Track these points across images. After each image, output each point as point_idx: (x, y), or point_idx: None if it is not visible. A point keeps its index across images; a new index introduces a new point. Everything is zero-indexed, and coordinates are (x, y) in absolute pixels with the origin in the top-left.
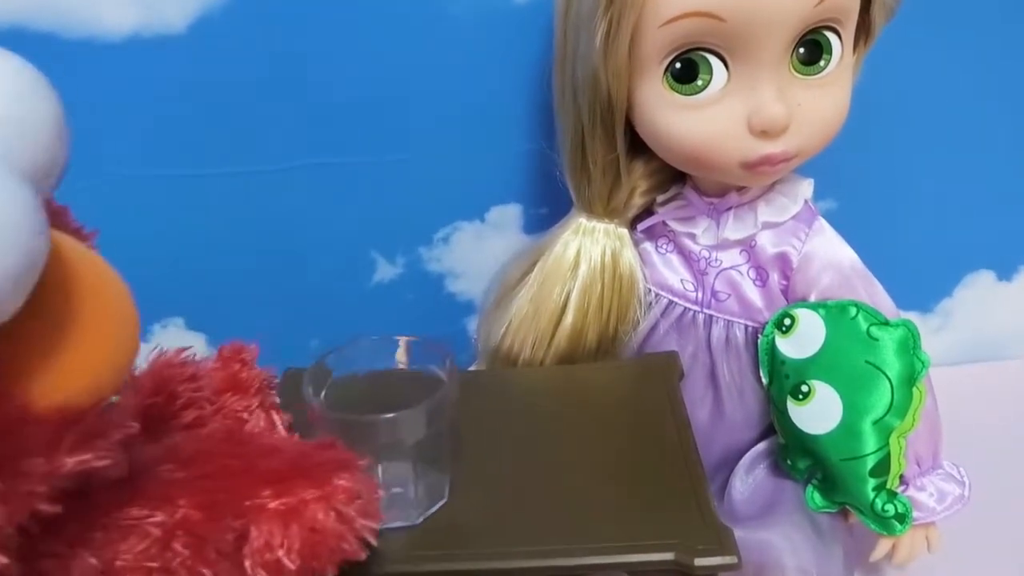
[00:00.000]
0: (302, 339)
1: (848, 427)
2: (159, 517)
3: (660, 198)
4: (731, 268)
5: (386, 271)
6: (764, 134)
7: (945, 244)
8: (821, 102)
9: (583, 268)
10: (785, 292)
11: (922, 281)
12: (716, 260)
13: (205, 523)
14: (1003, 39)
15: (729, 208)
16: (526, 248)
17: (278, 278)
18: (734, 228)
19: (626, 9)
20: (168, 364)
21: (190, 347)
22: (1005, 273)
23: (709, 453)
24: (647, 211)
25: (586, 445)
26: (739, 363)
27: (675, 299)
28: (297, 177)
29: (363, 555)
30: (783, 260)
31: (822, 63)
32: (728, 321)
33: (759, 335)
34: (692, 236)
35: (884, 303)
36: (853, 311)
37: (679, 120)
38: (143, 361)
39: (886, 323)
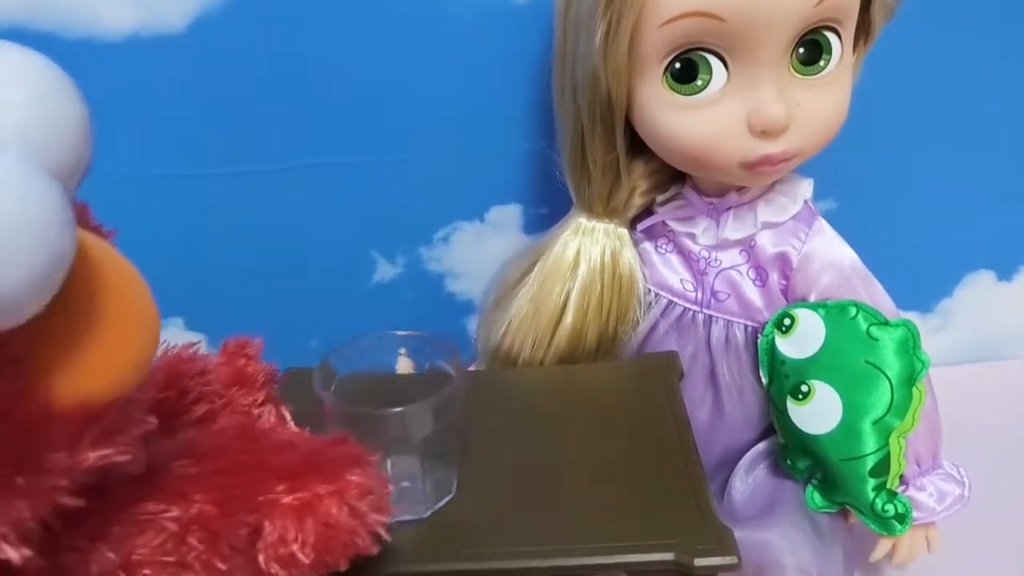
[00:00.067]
0: (302, 339)
1: (848, 427)
2: (175, 512)
3: (660, 198)
4: (731, 268)
5: (386, 271)
6: (764, 134)
7: (945, 244)
8: (821, 102)
9: (583, 268)
10: (785, 292)
11: (922, 281)
12: (716, 260)
13: (220, 518)
14: (1003, 39)
15: (729, 208)
16: (526, 248)
17: (278, 278)
18: (734, 228)
19: (626, 9)
20: (178, 359)
21: (197, 341)
22: (1005, 273)
23: (709, 453)
24: (647, 211)
25: (586, 445)
26: (739, 363)
27: (675, 299)
28: (297, 177)
29: (375, 550)
30: (783, 260)
31: (822, 63)
32: (728, 321)
33: (759, 335)
34: (692, 236)
35: (884, 303)
36: (853, 311)
37: (679, 120)
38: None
39: (886, 323)
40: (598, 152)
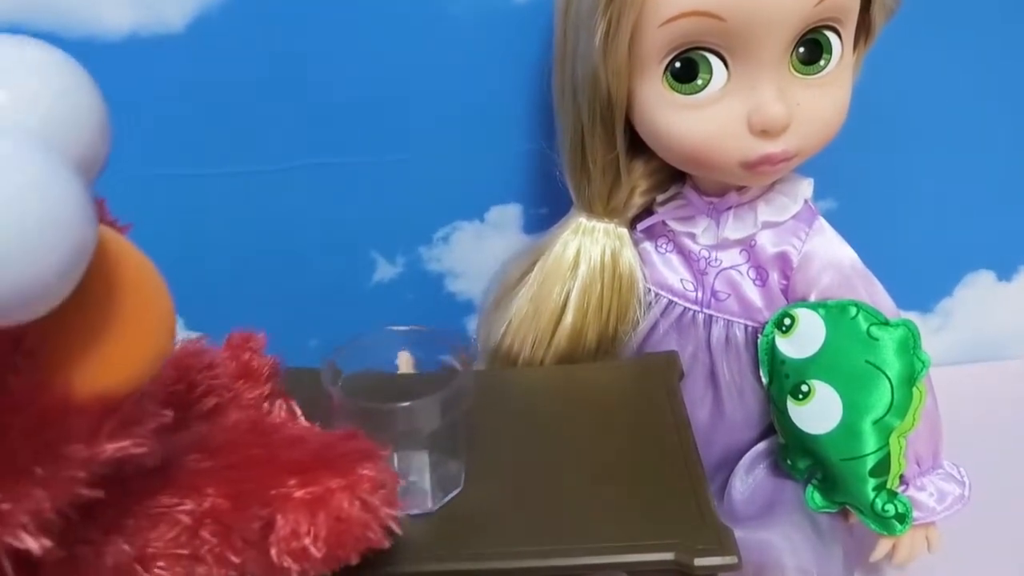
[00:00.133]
0: (302, 339)
1: (848, 427)
2: (188, 505)
3: (660, 198)
4: (731, 268)
5: (386, 271)
6: (764, 133)
7: (945, 244)
8: (821, 102)
9: (583, 268)
10: (785, 292)
11: (922, 281)
12: (716, 260)
13: (232, 512)
14: (1003, 39)
15: (729, 208)
16: (526, 248)
17: (278, 278)
18: (734, 228)
19: (626, 8)
20: (186, 353)
21: (204, 335)
22: (1005, 273)
23: (709, 453)
24: (647, 211)
25: (586, 445)
26: (739, 363)
27: (675, 299)
28: (297, 177)
29: (387, 544)
30: (783, 260)
31: (822, 63)
32: (728, 321)
33: (759, 335)
34: (692, 236)
35: (884, 303)
36: (853, 311)
37: (679, 119)
38: None
39: (886, 323)
40: (598, 152)
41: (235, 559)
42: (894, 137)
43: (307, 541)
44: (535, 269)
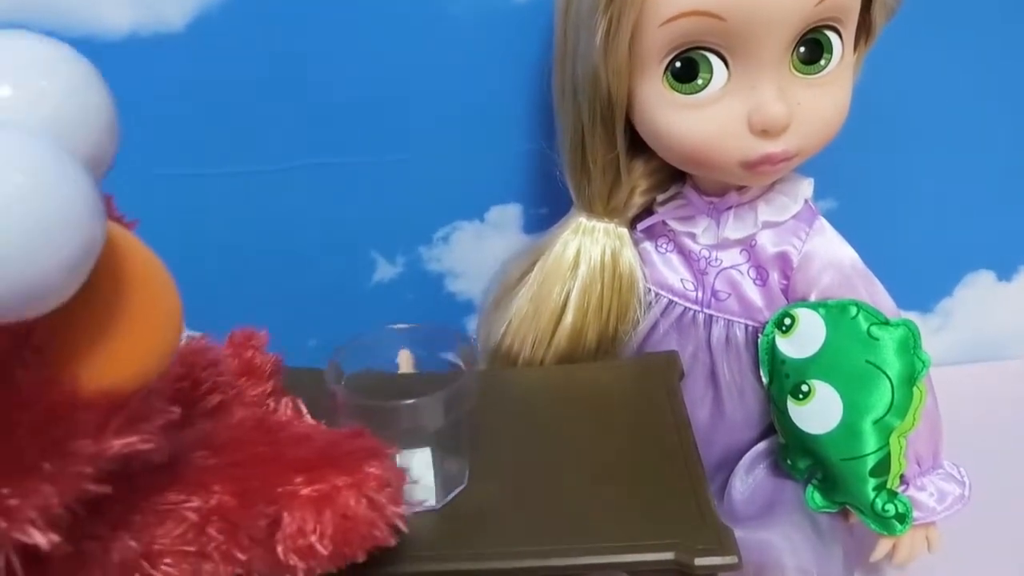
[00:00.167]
0: (301, 339)
1: (848, 427)
2: (195, 502)
3: (660, 197)
4: (731, 267)
5: (386, 271)
6: (764, 133)
7: (945, 244)
8: (821, 101)
9: (583, 268)
10: (785, 291)
11: (922, 281)
12: (716, 259)
13: (239, 509)
14: (1003, 39)
15: (729, 207)
16: (526, 248)
17: (278, 278)
18: (734, 227)
19: (626, 8)
20: (191, 350)
21: (206, 333)
22: (1005, 273)
23: (709, 453)
24: (647, 210)
25: (586, 445)
26: (739, 363)
27: (675, 299)
28: (297, 177)
29: (393, 542)
30: (783, 259)
31: (822, 62)
32: (728, 321)
33: (759, 335)
34: (692, 235)
35: (885, 303)
36: (853, 311)
37: (679, 119)
38: None
39: (886, 323)
40: (598, 151)
41: (241, 556)
42: (894, 137)
43: (313, 539)
44: (535, 269)
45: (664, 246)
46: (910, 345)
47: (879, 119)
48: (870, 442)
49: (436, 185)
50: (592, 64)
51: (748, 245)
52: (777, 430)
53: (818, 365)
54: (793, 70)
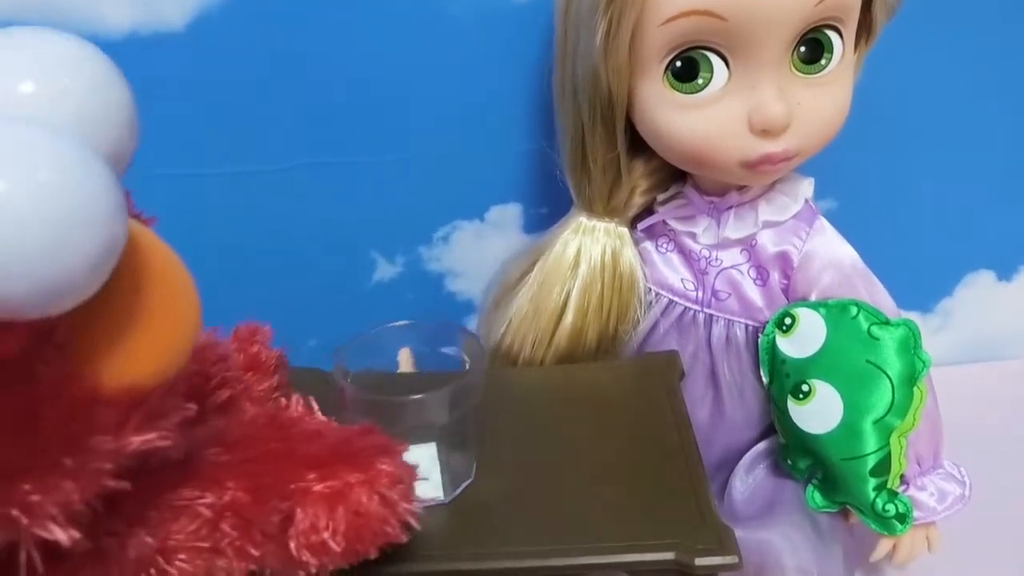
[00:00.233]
0: (301, 339)
1: (849, 427)
2: (209, 499)
3: (660, 197)
4: (731, 267)
5: (386, 271)
6: (764, 133)
7: (945, 244)
8: (822, 101)
9: (583, 267)
10: (786, 291)
11: (922, 281)
12: (716, 259)
13: (252, 505)
14: (1003, 39)
15: (730, 207)
16: (526, 248)
17: (278, 278)
18: (735, 227)
19: (626, 7)
20: (201, 345)
21: (214, 327)
22: (1005, 273)
23: (709, 453)
24: (647, 210)
25: (586, 445)
26: (739, 362)
27: (675, 298)
28: (297, 177)
29: (405, 539)
30: (784, 259)
31: (823, 62)
32: (728, 320)
33: (760, 334)
34: (692, 235)
35: (885, 302)
36: (854, 310)
37: (679, 119)
38: None
39: (887, 322)
40: (598, 151)
41: (255, 552)
42: (894, 137)
43: (326, 535)
44: (535, 269)
45: (664, 246)
46: (910, 345)
47: (879, 119)
48: (870, 442)
49: (436, 185)
50: (592, 64)
51: (748, 245)
52: (777, 430)
53: (818, 365)
54: (793, 70)
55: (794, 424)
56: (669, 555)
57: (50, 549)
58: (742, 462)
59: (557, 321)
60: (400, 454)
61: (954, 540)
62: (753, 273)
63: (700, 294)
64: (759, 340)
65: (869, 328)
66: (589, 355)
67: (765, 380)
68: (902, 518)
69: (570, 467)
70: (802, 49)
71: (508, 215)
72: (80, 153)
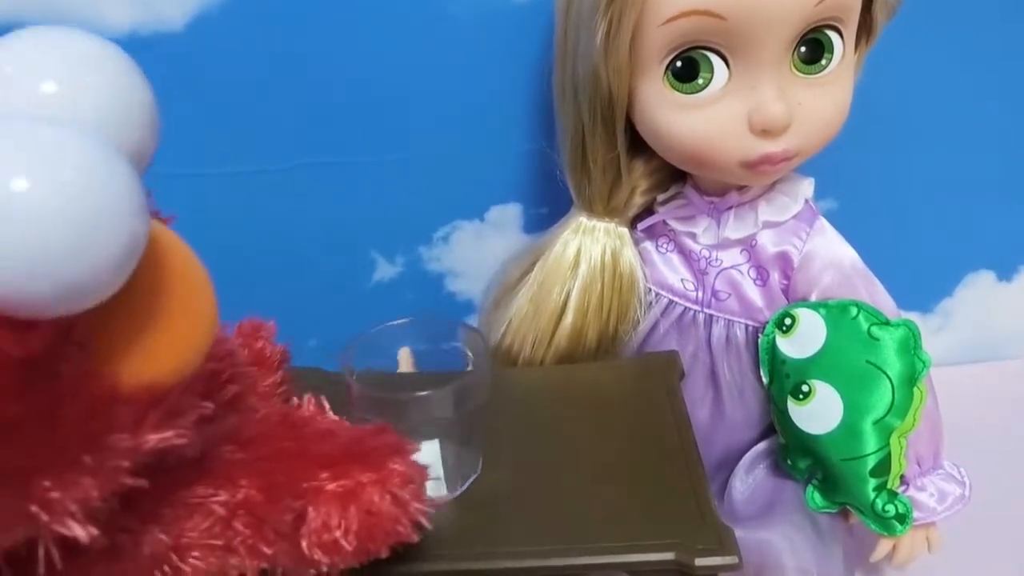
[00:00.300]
0: (302, 339)
1: (849, 427)
2: (222, 496)
3: (660, 197)
4: (731, 267)
5: (386, 271)
6: (765, 133)
7: (945, 244)
8: (822, 101)
9: (583, 267)
10: (786, 291)
11: (922, 281)
12: (716, 259)
13: (265, 504)
14: (1003, 39)
15: (730, 207)
16: (526, 247)
17: (278, 278)
18: (735, 227)
19: (627, 8)
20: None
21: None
22: (1005, 273)
23: (709, 453)
24: (647, 210)
25: (586, 445)
26: (739, 363)
27: (675, 298)
28: (297, 177)
29: (416, 538)
30: (784, 259)
31: (823, 62)
32: (728, 320)
33: (760, 335)
34: (692, 235)
35: (885, 303)
36: (854, 311)
37: (679, 119)
38: None
39: (887, 323)
40: (599, 151)
41: (267, 550)
42: (894, 137)
43: (338, 534)
44: (535, 269)
45: (664, 246)
46: (910, 345)
47: (879, 119)
48: (870, 442)
49: (436, 185)
50: (593, 64)
51: (748, 245)
52: (777, 430)
53: (818, 365)
54: (794, 70)
55: (794, 424)
56: (669, 555)
57: (66, 545)
58: (742, 462)
59: (557, 321)
60: (412, 454)
61: (954, 540)
62: (753, 273)
63: (700, 294)
64: (759, 340)
65: (869, 328)
66: (589, 355)
67: (765, 380)
68: (902, 518)
69: (570, 467)
70: (802, 49)
71: (508, 215)
72: (104, 152)
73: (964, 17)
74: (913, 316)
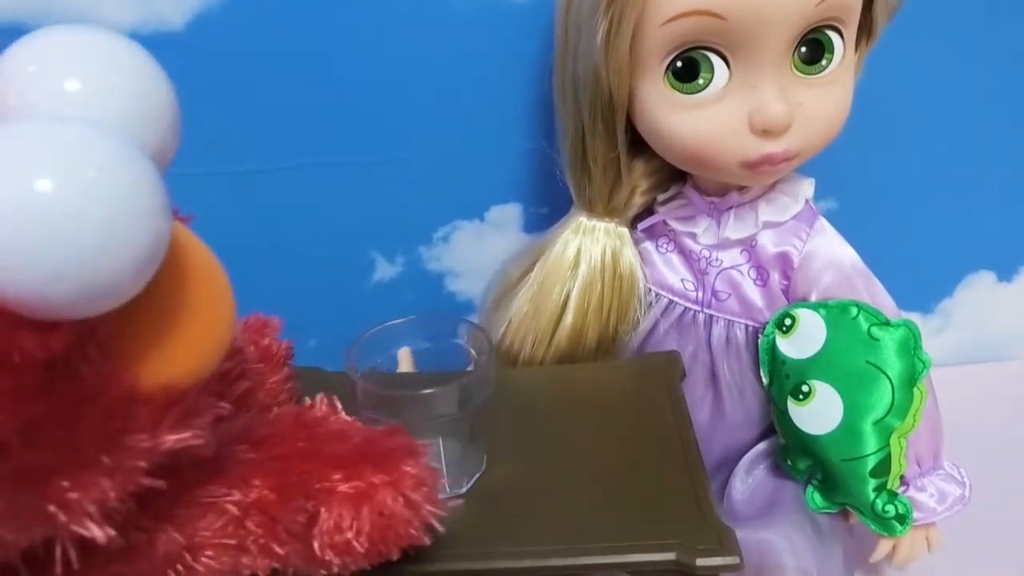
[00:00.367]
0: (302, 339)
1: (849, 427)
2: (236, 496)
3: (661, 197)
4: (732, 268)
5: (386, 271)
6: (765, 133)
7: (945, 244)
8: (822, 101)
9: (583, 267)
10: (786, 292)
11: (922, 281)
12: (716, 260)
13: (278, 504)
14: (1003, 39)
15: (730, 207)
16: (526, 247)
17: (278, 278)
18: (735, 227)
19: (627, 7)
20: None
21: None
22: (1005, 273)
23: (709, 453)
24: (648, 210)
25: (586, 445)
26: (739, 363)
27: (675, 299)
28: (297, 177)
29: (428, 540)
30: (784, 260)
31: (824, 62)
32: (728, 321)
33: (760, 335)
34: (693, 235)
35: (885, 303)
36: (854, 311)
37: (680, 119)
38: None
39: (887, 323)
40: (599, 151)
41: (279, 550)
42: (894, 137)
43: (350, 535)
44: (535, 269)
45: (664, 246)
46: (911, 346)
47: (879, 119)
48: (870, 443)
49: (436, 185)
50: (593, 64)
51: (749, 245)
52: (777, 430)
53: (818, 366)
54: (794, 70)
55: (794, 425)
56: (670, 555)
57: (83, 545)
58: (742, 462)
59: (557, 321)
60: (424, 456)
61: (954, 540)
62: (753, 273)
63: (700, 294)
64: (759, 341)
65: (869, 329)
66: (589, 355)
67: (765, 381)
68: (902, 519)
69: (570, 467)
70: (803, 49)
71: (508, 215)
72: (128, 152)
73: (964, 17)
74: (913, 316)
